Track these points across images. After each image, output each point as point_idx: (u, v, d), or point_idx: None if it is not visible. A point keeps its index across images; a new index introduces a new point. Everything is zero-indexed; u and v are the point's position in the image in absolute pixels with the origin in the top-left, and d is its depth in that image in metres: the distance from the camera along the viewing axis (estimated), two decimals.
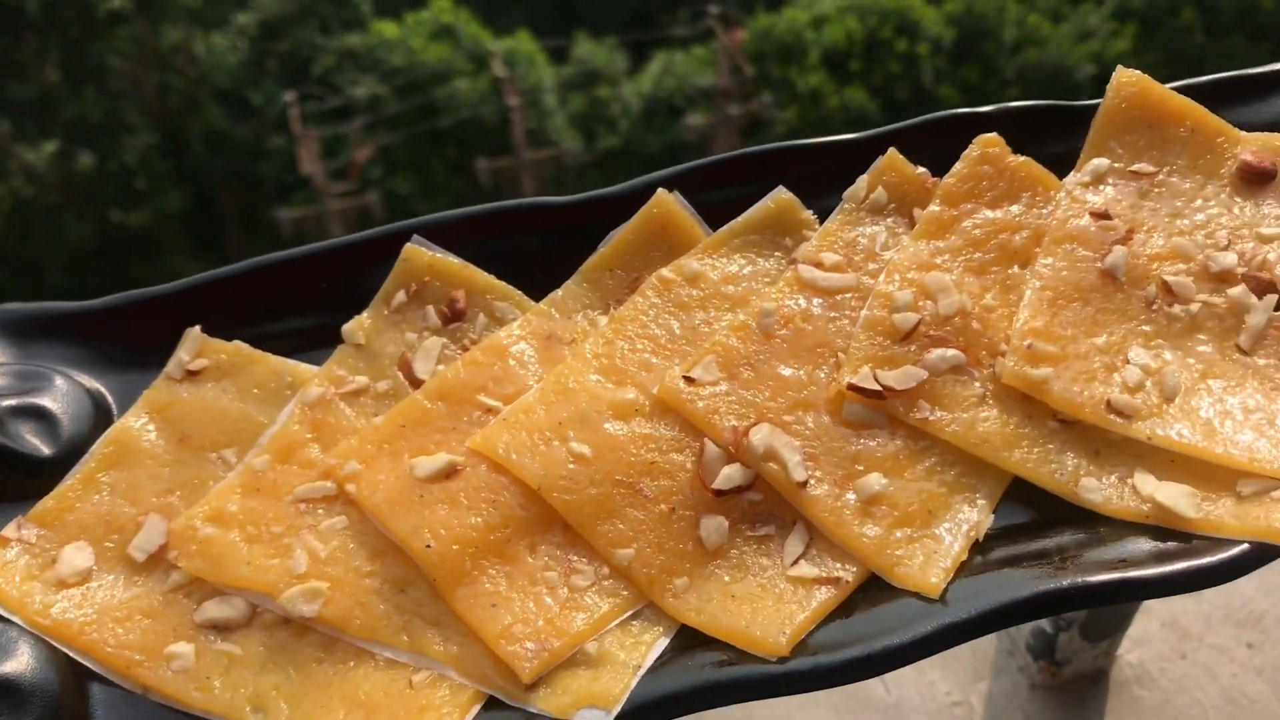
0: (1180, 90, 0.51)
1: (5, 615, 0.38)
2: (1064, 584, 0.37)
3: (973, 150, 0.49)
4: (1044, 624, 0.66)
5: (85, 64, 13.14)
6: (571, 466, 0.41)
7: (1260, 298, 0.45)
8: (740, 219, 0.49)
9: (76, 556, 0.40)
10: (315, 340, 0.47)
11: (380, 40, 13.17)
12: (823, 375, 0.44)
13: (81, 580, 0.40)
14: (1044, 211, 0.48)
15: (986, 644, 0.70)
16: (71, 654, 0.38)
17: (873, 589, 0.40)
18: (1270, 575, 0.73)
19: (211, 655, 0.39)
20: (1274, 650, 0.70)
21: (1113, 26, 9.99)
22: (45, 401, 0.43)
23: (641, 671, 0.37)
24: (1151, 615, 0.72)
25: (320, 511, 0.41)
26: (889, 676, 0.70)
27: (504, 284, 0.47)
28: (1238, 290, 0.45)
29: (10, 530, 0.40)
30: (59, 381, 0.44)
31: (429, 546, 0.39)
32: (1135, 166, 0.49)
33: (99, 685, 0.38)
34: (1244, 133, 0.50)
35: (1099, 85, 0.51)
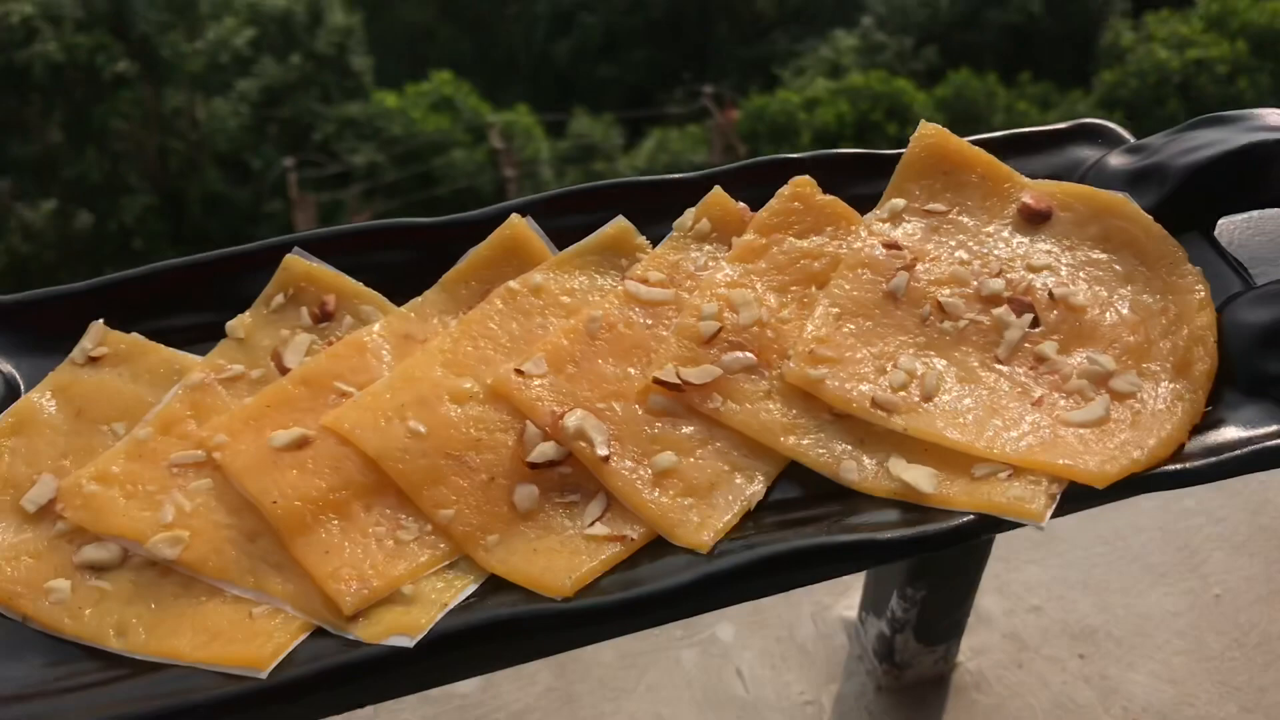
0: (976, 143, 0.59)
1: None
2: (814, 541, 0.44)
3: (786, 189, 0.57)
4: (883, 627, 0.73)
5: (88, 125, 13.30)
6: (407, 441, 0.48)
7: (1019, 316, 0.52)
8: (583, 242, 0.56)
9: None
10: (204, 335, 0.53)
11: (380, 110, 13.34)
12: (635, 373, 0.51)
13: None
14: (844, 243, 0.55)
15: (839, 648, 0.77)
16: None
17: (657, 548, 0.46)
18: (1107, 595, 0.80)
19: (85, 590, 0.45)
20: (1103, 661, 0.76)
21: (1100, 115, 10.15)
22: None
23: (448, 609, 0.44)
24: (993, 627, 0.78)
25: (190, 475, 0.48)
26: (749, 676, 0.76)
27: (372, 291, 0.55)
28: (1001, 310, 0.52)
29: None
30: None
31: (275, 503, 0.46)
32: (929, 206, 0.57)
33: None
34: (1028, 180, 0.58)
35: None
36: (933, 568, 0.68)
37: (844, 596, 0.80)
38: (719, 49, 14.53)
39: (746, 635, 0.78)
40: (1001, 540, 0.81)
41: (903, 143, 0.58)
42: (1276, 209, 0.58)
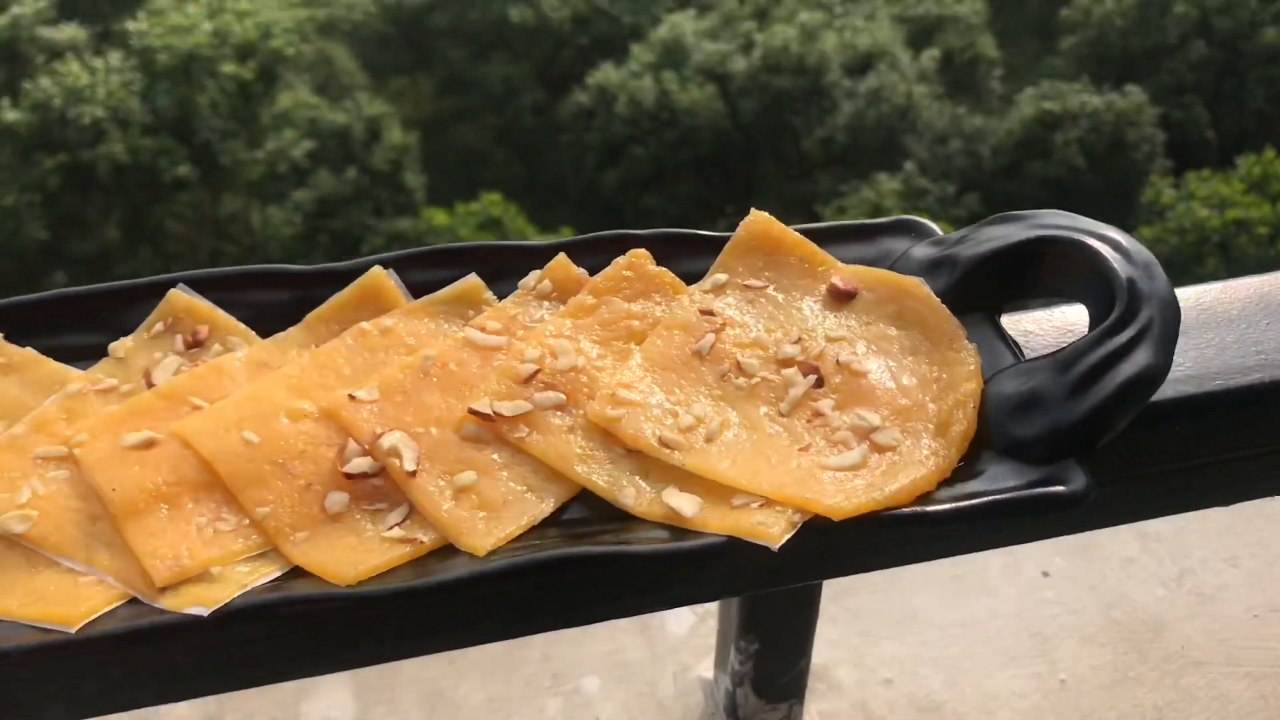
0: (804, 232, 0.66)
1: None
2: (569, 551, 0.50)
3: (623, 259, 0.63)
4: (726, 682, 0.77)
5: (145, 225, 13.70)
6: (239, 448, 0.54)
7: (805, 377, 0.58)
8: (435, 294, 0.63)
9: None
10: (92, 355, 0.61)
11: (430, 226, 13.66)
12: (457, 404, 0.57)
13: None
14: (666, 307, 0.62)
15: (695, 706, 0.81)
16: None
17: (447, 554, 0.52)
18: (956, 673, 0.84)
19: None
20: None
21: None
22: None
23: (246, 589, 0.50)
24: (843, 695, 0.82)
25: (51, 466, 0.55)
26: None
27: (242, 325, 0.62)
28: (790, 371, 0.59)
29: None
30: None
31: (114, 490, 0.52)
32: (748, 281, 0.64)
33: None
34: (841, 264, 0.64)
35: None
36: (761, 620, 0.73)
37: (705, 657, 0.85)
38: (763, 185, 14.84)
39: (610, 688, 0.82)
40: (864, 616, 0.85)
41: None
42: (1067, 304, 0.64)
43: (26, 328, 0.61)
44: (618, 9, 16.25)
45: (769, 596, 0.72)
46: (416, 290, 0.63)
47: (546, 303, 0.63)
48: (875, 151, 14.28)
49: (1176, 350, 0.61)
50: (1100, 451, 0.55)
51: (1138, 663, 0.85)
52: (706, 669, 0.82)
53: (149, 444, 0.54)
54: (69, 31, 14.26)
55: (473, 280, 0.64)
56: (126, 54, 14.16)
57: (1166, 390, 0.61)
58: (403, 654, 0.58)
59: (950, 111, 14.40)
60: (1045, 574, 0.92)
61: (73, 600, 0.49)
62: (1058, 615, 0.90)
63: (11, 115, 13.35)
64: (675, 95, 14.34)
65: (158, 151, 13.72)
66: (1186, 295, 0.68)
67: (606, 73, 14.90)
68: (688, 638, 0.85)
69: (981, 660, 0.85)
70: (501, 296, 0.64)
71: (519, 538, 0.53)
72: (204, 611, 0.48)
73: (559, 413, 0.57)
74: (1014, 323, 0.64)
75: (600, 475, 0.55)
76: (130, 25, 14.50)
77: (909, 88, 14.10)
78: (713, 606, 0.87)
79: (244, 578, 0.51)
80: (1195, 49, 14.44)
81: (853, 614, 0.87)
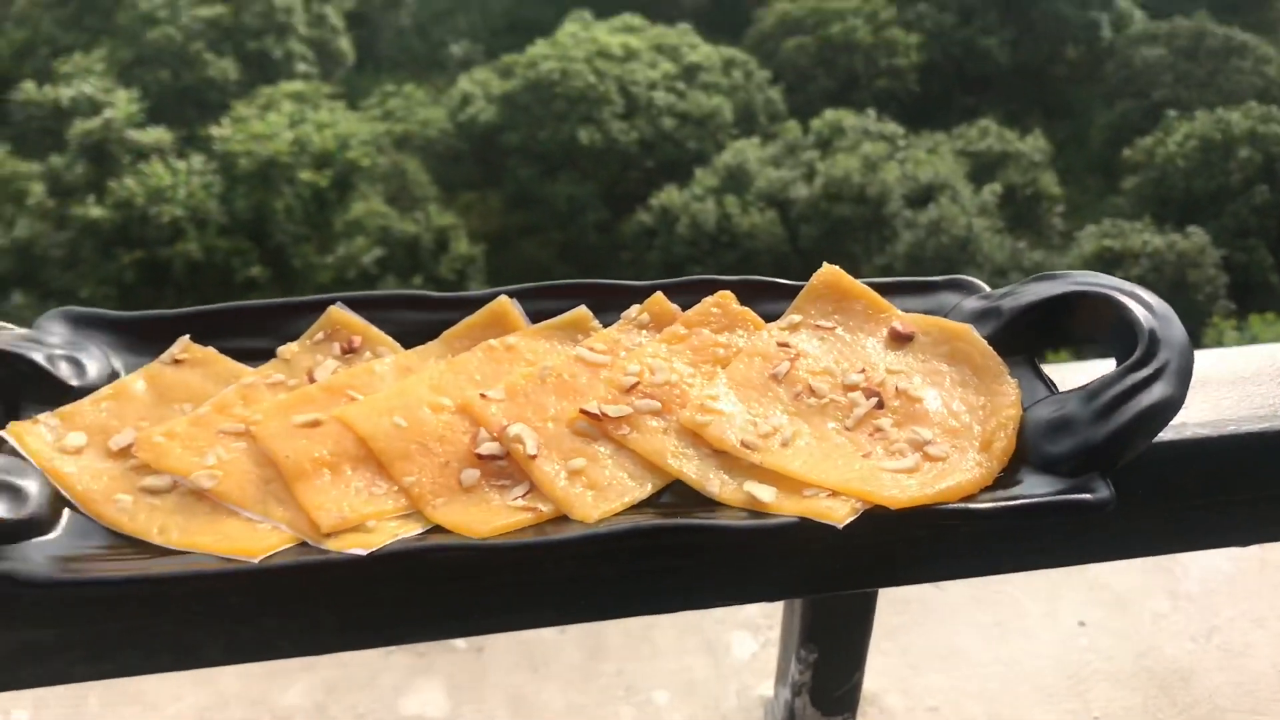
0: (868, 284, 0.76)
1: (26, 457, 0.62)
2: (668, 521, 0.59)
3: (711, 298, 0.74)
4: (786, 694, 0.85)
5: None
6: (390, 429, 0.65)
7: (868, 400, 0.68)
8: (550, 320, 0.74)
9: (76, 439, 0.64)
10: (261, 356, 0.72)
11: None
12: (569, 406, 0.67)
13: (76, 451, 0.64)
14: (748, 339, 0.72)
15: None
16: (58, 487, 0.62)
17: (561, 524, 0.62)
18: (997, 705, 0.91)
19: (142, 504, 0.62)
20: None
21: None
22: (80, 355, 0.68)
23: (396, 538, 0.60)
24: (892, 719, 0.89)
25: (231, 439, 0.65)
26: None
27: (389, 338, 0.73)
28: (855, 394, 0.68)
29: (42, 416, 0.65)
30: (92, 349, 0.69)
31: (287, 456, 0.63)
32: (819, 322, 0.74)
33: (68, 509, 0.61)
34: (902, 312, 0.74)
35: None
36: (821, 631, 0.81)
37: (766, 679, 0.92)
38: None
39: (678, 701, 0.90)
40: (912, 651, 0.92)
41: None
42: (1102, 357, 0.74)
43: (209, 331, 0.72)
44: (683, 134, 16.68)
45: (829, 608, 0.81)
46: (534, 317, 0.74)
47: (644, 332, 0.73)
48: None
49: (1199, 400, 0.70)
50: (1128, 491, 0.64)
51: (1167, 706, 0.92)
52: (767, 688, 0.90)
53: (314, 424, 0.65)
54: (155, 134, 14.88)
55: (582, 310, 0.74)
56: (208, 157, 14.73)
57: (1186, 433, 0.70)
58: (513, 624, 0.67)
59: (1011, 245, 14.54)
60: (1081, 623, 0.99)
61: (254, 540, 0.59)
62: (1092, 661, 0.96)
63: (95, 212, 13.88)
64: (736, 218, 14.63)
65: (232, 252, 14.17)
66: (1212, 356, 0.77)
67: (670, 194, 15.24)
68: (750, 661, 0.93)
69: (1020, 695, 0.92)
70: (605, 326, 0.74)
71: (620, 514, 0.62)
72: (363, 552, 0.58)
73: (655, 418, 0.67)
74: (1051, 370, 0.73)
75: (689, 468, 0.64)
76: (214, 130, 15.11)
77: (969, 220, 14.28)
78: (773, 635, 0.95)
79: (393, 531, 0.60)
80: (1259, 193, 14.54)
81: (902, 649, 0.95)
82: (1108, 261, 13.35)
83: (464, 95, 17.01)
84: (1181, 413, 0.67)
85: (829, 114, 16.11)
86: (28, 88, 15.43)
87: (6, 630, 0.61)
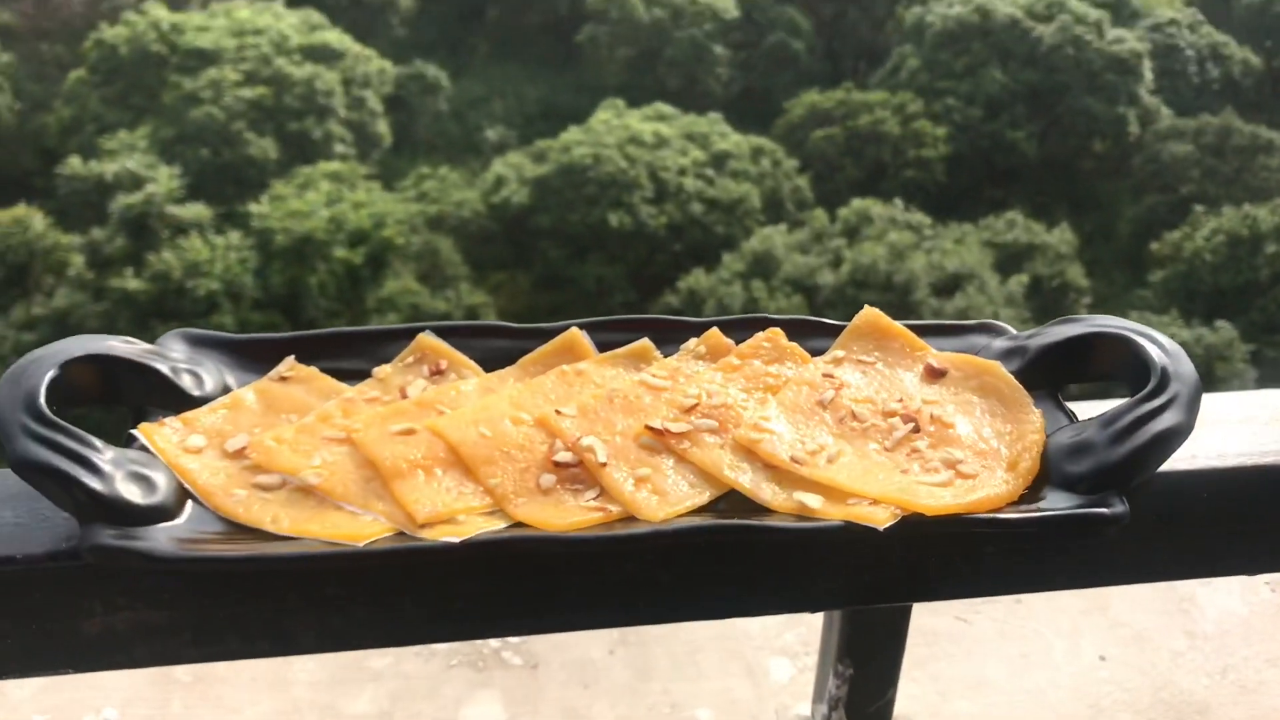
0: (906, 325, 0.84)
1: (154, 454, 0.70)
2: (728, 521, 0.67)
3: (763, 334, 0.82)
4: (824, 709, 0.91)
5: None
6: (476, 438, 0.72)
7: (905, 424, 0.75)
8: (616, 350, 0.81)
9: (196, 440, 0.72)
10: (357, 377, 0.80)
11: None
12: (633, 423, 0.75)
13: (197, 451, 0.72)
14: (796, 370, 0.80)
15: None
16: (182, 481, 0.69)
17: (629, 523, 0.69)
18: None
19: (255, 497, 0.69)
20: None
21: None
22: (199, 370, 0.77)
23: (484, 530, 0.67)
24: None
25: (334, 445, 0.73)
26: None
27: (472, 363, 0.80)
28: (894, 419, 0.76)
29: (168, 419, 0.73)
30: (208, 364, 0.78)
31: (386, 459, 0.70)
32: (860, 358, 0.81)
33: (191, 501, 0.69)
34: (936, 351, 0.82)
35: None
36: (858, 645, 0.87)
37: (803, 700, 0.98)
38: None
39: (720, 718, 0.96)
40: (941, 679, 0.98)
41: None
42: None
43: (312, 353, 0.80)
44: (712, 220, 16.89)
45: (865, 625, 0.87)
46: (602, 347, 0.82)
47: (701, 362, 0.81)
48: None
49: (1212, 436, 0.77)
50: (1143, 516, 0.71)
51: None
52: (803, 708, 0.95)
53: (408, 432, 0.73)
54: (195, 210, 15.19)
55: (645, 342, 0.82)
56: (246, 233, 15.02)
57: (1198, 463, 0.77)
58: (578, 623, 0.74)
59: None
60: (1102, 658, 1.04)
61: (357, 529, 0.67)
62: (1112, 692, 1.01)
63: (133, 284, 14.14)
64: (763, 302, 14.76)
65: (265, 325, 14.38)
66: (1229, 399, 0.84)
67: (697, 277, 15.40)
68: (788, 684, 0.99)
69: None
70: (666, 357, 0.82)
71: (682, 516, 0.69)
72: (455, 540, 0.65)
73: (712, 435, 0.74)
74: (1071, 406, 0.80)
75: (744, 478, 0.71)
76: (252, 207, 15.42)
77: (996, 310, 14.36)
78: (810, 660, 1.01)
79: (480, 525, 0.68)
80: None
81: (932, 677, 1.01)
82: None
83: (497, 178, 17.33)
84: (1194, 445, 0.74)
85: (856, 203, 16.32)
86: (73, 163, 15.85)
87: (127, 610, 0.69)
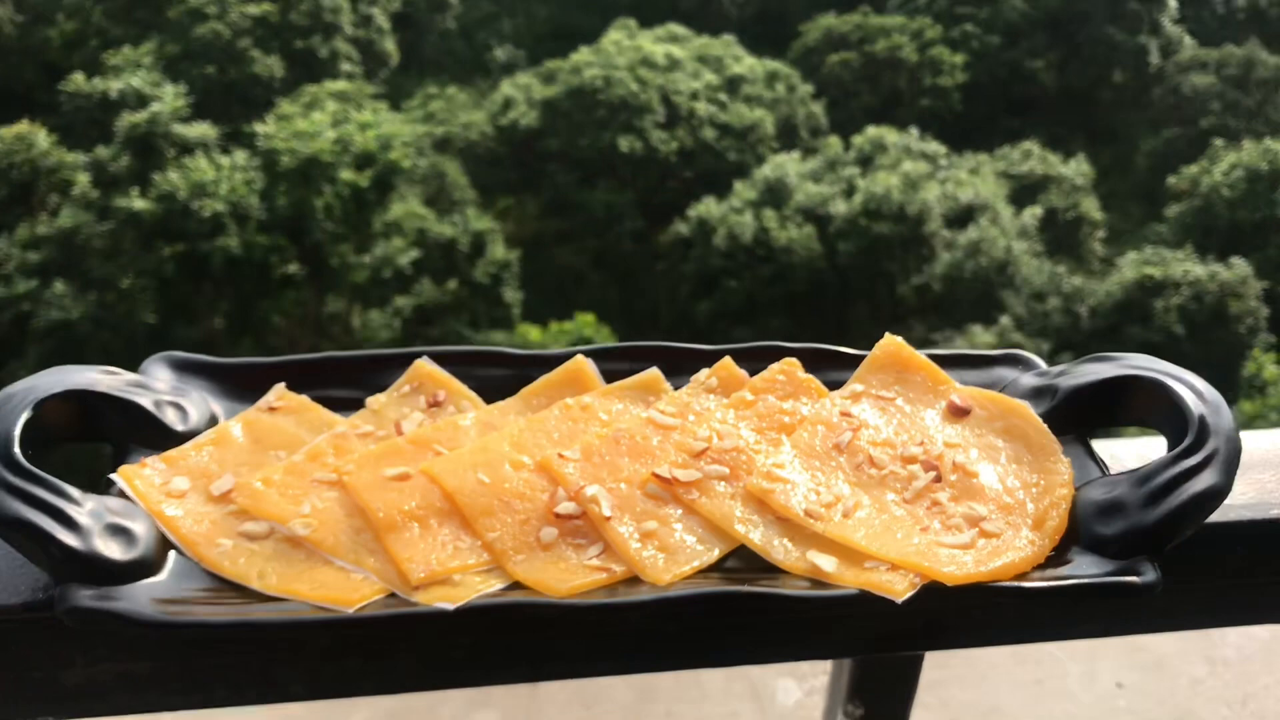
0: (929, 356, 0.79)
1: (135, 500, 0.67)
2: (736, 588, 0.63)
3: (778, 365, 0.78)
4: None
5: (250, 317, 14.21)
6: (474, 485, 0.68)
7: (926, 473, 0.71)
8: (624, 381, 0.77)
9: (180, 482, 0.68)
10: (350, 406, 0.76)
11: (523, 341, 13.95)
12: (641, 469, 0.71)
13: (180, 495, 0.68)
14: (812, 408, 0.76)
15: None
16: (164, 530, 0.66)
17: (633, 583, 0.65)
18: None
19: (241, 549, 0.66)
20: None
21: None
22: (183, 401, 0.73)
23: (480, 593, 0.63)
24: None
25: (324, 489, 0.69)
26: None
27: (472, 393, 0.76)
28: (914, 467, 0.72)
29: (150, 460, 0.69)
30: (193, 394, 0.74)
31: (378, 510, 0.67)
32: (880, 393, 0.77)
33: (174, 552, 0.66)
34: (959, 385, 0.78)
35: None
36: (868, 688, 0.84)
37: None
38: (855, 327, 14.98)
39: None
40: (953, 705, 0.95)
41: None
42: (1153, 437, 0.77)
43: (302, 380, 0.76)
44: (724, 146, 16.72)
45: (876, 667, 0.84)
46: (609, 377, 0.78)
47: (713, 395, 0.77)
48: (971, 303, 14.37)
49: (1244, 482, 0.73)
50: (1174, 567, 0.67)
51: None
52: None
53: (403, 477, 0.69)
54: (200, 129, 15.05)
55: (654, 372, 0.78)
56: (251, 154, 14.89)
57: (1231, 514, 0.73)
58: (581, 672, 0.71)
59: (1049, 269, 14.49)
60: (1119, 685, 1.02)
61: (348, 590, 0.63)
62: None
63: (139, 204, 14.05)
64: (774, 232, 14.65)
65: (270, 248, 14.32)
66: (1260, 438, 0.80)
67: (708, 206, 15.28)
68: (794, 708, 0.97)
69: None
70: (676, 387, 0.78)
71: (689, 577, 0.66)
72: (449, 607, 0.62)
73: (723, 483, 0.70)
74: (1102, 446, 0.76)
75: (755, 534, 0.68)
76: (258, 127, 15.27)
77: (1009, 243, 14.25)
78: (818, 683, 0.98)
79: (477, 586, 0.64)
80: None
81: (943, 703, 0.98)
82: (1148, 289, 13.28)
83: (506, 99, 17.14)
84: (1230, 495, 0.70)
85: (871, 131, 16.12)
86: (77, 79, 15.67)
87: (108, 661, 0.66)
